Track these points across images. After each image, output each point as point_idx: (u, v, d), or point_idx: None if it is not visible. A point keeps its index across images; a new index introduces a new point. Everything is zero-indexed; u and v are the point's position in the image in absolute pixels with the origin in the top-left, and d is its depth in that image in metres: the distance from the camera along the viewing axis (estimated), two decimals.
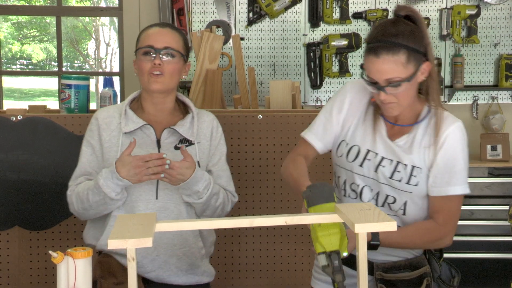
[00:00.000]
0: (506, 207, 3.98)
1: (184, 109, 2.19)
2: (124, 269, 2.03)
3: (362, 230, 1.35)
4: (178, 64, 2.09)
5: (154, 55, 2.04)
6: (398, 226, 1.85)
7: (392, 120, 1.90)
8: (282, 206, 2.85)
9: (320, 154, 2.01)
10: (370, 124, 1.91)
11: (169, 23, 2.19)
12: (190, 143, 2.10)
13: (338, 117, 1.96)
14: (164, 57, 2.04)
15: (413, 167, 1.84)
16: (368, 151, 1.89)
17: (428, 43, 1.80)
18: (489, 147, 4.16)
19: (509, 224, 1.88)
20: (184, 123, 2.11)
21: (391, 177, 1.85)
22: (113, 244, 1.29)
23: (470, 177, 4.18)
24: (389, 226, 1.36)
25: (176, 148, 2.08)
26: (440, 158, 1.83)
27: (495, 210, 4.02)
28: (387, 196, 1.87)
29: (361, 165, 1.89)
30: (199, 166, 2.07)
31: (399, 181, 1.85)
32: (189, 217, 2.07)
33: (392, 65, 1.74)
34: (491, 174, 4.06)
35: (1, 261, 2.78)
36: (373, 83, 1.79)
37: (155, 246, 2.04)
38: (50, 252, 1.55)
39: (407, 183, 1.84)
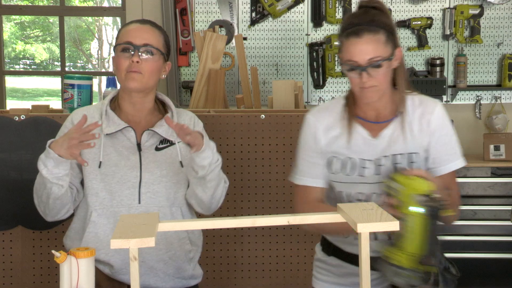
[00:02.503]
0: (509, 207, 3.97)
1: (163, 109, 2.11)
2: (108, 279, 2.00)
3: (365, 229, 1.35)
4: (157, 62, 2.00)
5: (132, 52, 1.96)
6: None
7: (374, 115, 1.91)
8: (285, 206, 2.85)
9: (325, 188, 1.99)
10: (350, 134, 1.91)
11: (150, 20, 2.10)
12: (170, 143, 2.04)
13: (317, 146, 1.95)
14: (143, 54, 1.96)
15: (409, 154, 1.87)
16: (362, 160, 1.89)
17: (396, 31, 1.86)
18: (492, 147, 4.15)
19: None
20: (163, 123, 2.02)
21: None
22: (115, 244, 1.28)
23: (473, 177, 4.19)
24: (392, 225, 1.36)
25: (157, 149, 2.02)
26: (436, 139, 1.88)
27: (498, 210, 4.01)
28: None
29: (361, 175, 1.90)
30: (182, 166, 2.02)
31: None
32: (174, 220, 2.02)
33: (374, 44, 1.78)
34: (494, 174, 4.05)
35: (4, 261, 2.79)
36: (354, 68, 1.80)
37: (140, 251, 2.01)
38: (53, 251, 1.55)
39: None
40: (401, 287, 1.68)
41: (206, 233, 2.83)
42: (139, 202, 1.98)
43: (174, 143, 2.04)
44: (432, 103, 1.91)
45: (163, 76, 2.06)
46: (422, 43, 4.43)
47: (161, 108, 2.11)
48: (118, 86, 2.09)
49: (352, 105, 1.93)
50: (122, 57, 1.98)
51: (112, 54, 2.07)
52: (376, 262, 1.65)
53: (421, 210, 1.60)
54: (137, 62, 1.95)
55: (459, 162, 1.92)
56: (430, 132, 1.88)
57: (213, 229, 2.81)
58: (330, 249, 2.02)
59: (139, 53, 1.96)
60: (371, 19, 1.80)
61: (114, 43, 2.07)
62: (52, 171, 1.85)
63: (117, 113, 2.04)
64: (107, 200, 1.97)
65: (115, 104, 2.07)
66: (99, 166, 1.98)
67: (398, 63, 1.87)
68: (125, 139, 2.01)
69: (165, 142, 2.04)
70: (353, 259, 1.94)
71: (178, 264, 2.05)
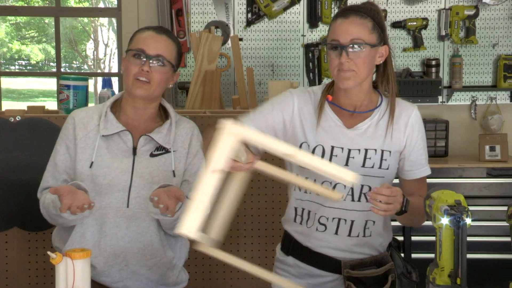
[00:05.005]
0: (505, 208, 3.95)
1: (165, 115, 2.10)
2: (94, 282, 1.97)
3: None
4: (166, 74, 2.00)
5: (144, 59, 1.96)
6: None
7: (351, 109, 1.92)
8: (281, 207, 2.85)
9: None
10: (326, 121, 1.91)
11: (167, 29, 2.09)
12: (166, 151, 2.03)
13: (281, 114, 1.92)
14: (154, 63, 1.96)
15: (382, 151, 1.88)
16: (333, 147, 1.89)
17: (386, 34, 1.90)
18: (487, 147, 4.16)
19: (508, 224, 1.89)
20: (161, 130, 2.03)
21: (363, 166, 1.87)
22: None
23: (468, 178, 4.20)
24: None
25: (152, 155, 2.01)
26: (414, 142, 1.92)
27: (494, 211, 4.02)
28: (362, 186, 1.87)
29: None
30: (174, 175, 2.01)
31: (372, 167, 1.87)
32: (159, 228, 2.00)
33: (359, 27, 1.83)
34: (490, 175, 4.06)
35: (0, 262, 2.78)
36: (336, 46, 1.84)
37: (124, 256, 1.98)
38: (48, 253, 1.55)
39: (379, 167, 1.88)
40: None
41: None
42: (128, 206, 1.97)
43: (169, 151, 2.03)
44: (410, 106, 1.94)
45: (170, 85, 2.06)
46: (417, 43, 4.43)
47: (162, 114, 2.11)
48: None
49: (329, 91, 1.93)
50: (132, 62, 1.98)
51: (123, 54, 2.07)
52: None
53: (446, 220, 1.64)
54: (147, 71, 1.96)
55: (428, 169, 1.97)
56: (407, 134, 1.91)
57: None
58: (290, 246, 2.00)
59: (150, 63, 1.96)
60: (361, 7, 1.87)
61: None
62: (76, 216, 1.89)
63: (117, 115, 2.04)
64: (96, 201, 1.95)
65: (117, 106, 2.07)
66: (90, 166, 1.98)
67: (381, 61, 1.89)
68: (121, 142, 2.01)
69: (161, 149, 2.03)
70: (311, 259, 1.94)
71: (162, 271, 2.04)
